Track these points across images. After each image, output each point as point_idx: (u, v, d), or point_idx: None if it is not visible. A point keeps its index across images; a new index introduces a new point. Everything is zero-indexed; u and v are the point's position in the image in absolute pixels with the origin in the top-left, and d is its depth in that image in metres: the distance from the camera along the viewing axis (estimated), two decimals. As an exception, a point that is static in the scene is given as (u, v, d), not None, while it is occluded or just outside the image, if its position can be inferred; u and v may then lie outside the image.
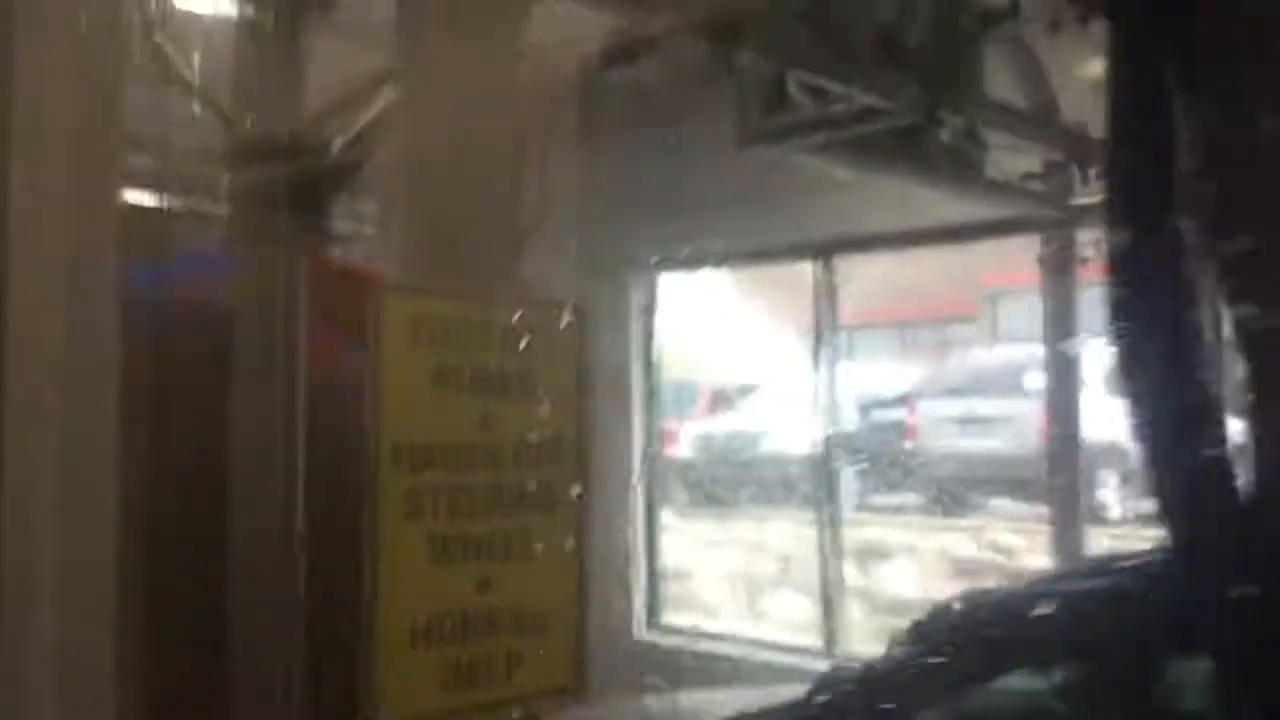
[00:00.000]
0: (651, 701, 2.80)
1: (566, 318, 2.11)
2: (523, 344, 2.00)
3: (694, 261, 4.54)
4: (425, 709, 1.86)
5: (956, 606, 1.67)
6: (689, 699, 2.72)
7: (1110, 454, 4.43)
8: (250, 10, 2.28)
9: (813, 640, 4.00)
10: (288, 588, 1.89)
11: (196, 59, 2.08)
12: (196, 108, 2.04)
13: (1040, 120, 3.79)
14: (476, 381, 1.96)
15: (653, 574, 4.30)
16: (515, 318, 2.00)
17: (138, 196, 1.82)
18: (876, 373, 5.32)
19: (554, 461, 2.07)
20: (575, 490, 2.07)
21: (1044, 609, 1.45)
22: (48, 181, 1.31)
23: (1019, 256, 4.50)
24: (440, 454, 1.90)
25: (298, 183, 2.24)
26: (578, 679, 2.07)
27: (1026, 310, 4.56)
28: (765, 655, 3.91)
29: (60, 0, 1.37)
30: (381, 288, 1.87)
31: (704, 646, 4.00)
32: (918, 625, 1.65)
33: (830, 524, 4.19)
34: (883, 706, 1.51)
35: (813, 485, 4.47)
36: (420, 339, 1.88)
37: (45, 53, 1.34)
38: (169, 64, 2.02)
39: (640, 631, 4.16)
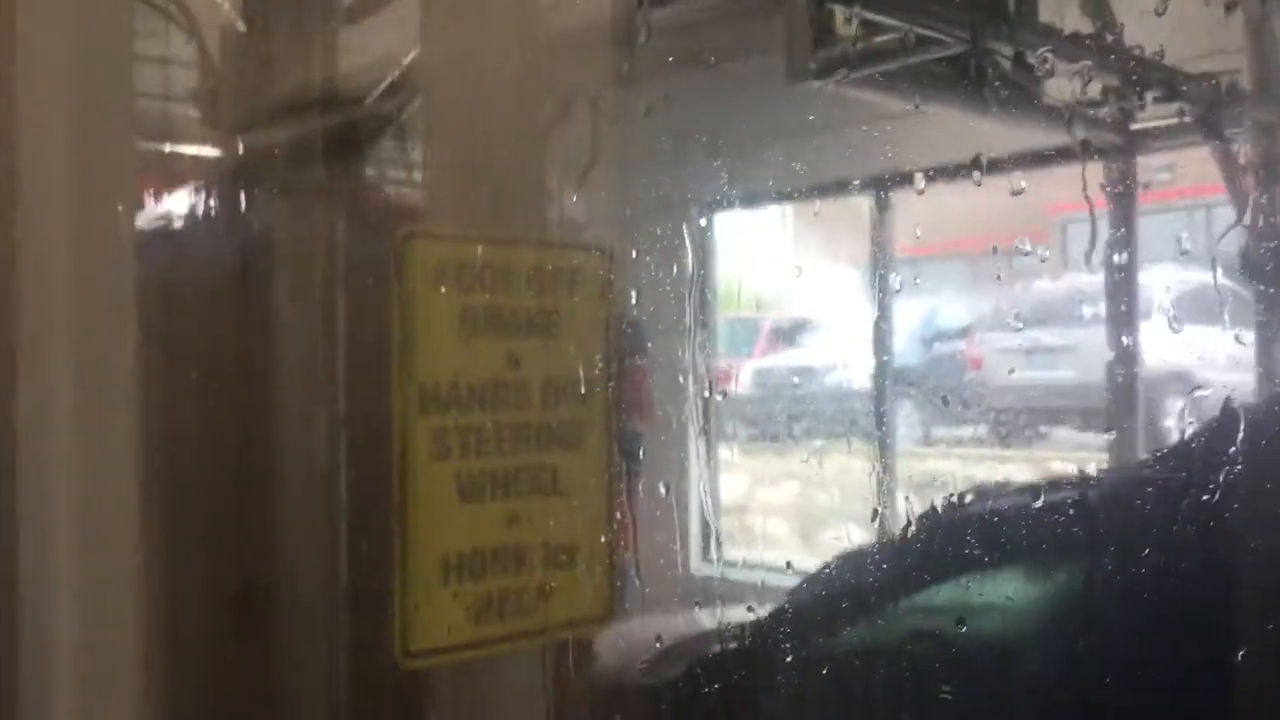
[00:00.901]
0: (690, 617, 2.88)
1: (595, 260, 2.15)
2: (549, 287, 2.04)
3: (750, 198, 4.54)
4: (456, 641, 1.93)
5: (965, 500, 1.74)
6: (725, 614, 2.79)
7: (1174, 382, 4.36)
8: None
9: (869, 572, 4.02)
10: (325, 525, 1.97)
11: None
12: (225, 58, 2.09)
13: (1097, 45, 3.70)
14: (504, 323, 2.01)
15: (709, 509, 4.35)
16: (542, 261, 2.05)
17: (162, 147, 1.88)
18: (939, 304, 5.28)
19: (584, 401, 2.12)
20: (607, 427, 2.13)
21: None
22: (55, 133, 1.36)
23: (1089, 183, 4.41)
24: (467, 394, 1.96)
25: (333, 132, 2.30)
26: (609, 609, 2.13)
27: (1098, 237, 4.49)
28: (821, 586, 3.94)
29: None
30: (405, 232, 1.92)
31: (760, 578, 4.05)
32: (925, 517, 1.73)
33: (889, 457, 4.19)
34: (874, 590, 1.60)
35: (872, 419, 4.46)
36: (446, 282, 1.94)
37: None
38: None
39: (696, 565, 4.23)
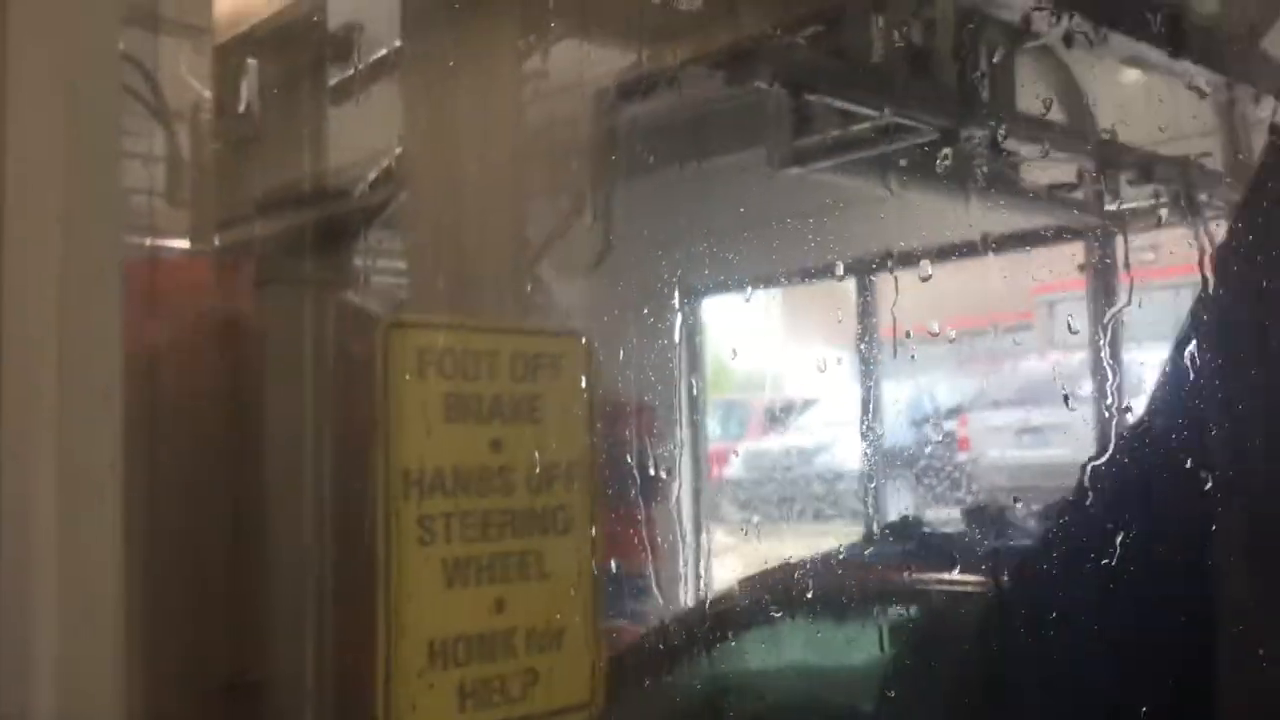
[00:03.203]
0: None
1: (577, 346, 2.18)
2: (530, 373, 2.07)
3: (735, 283, 4.58)
4: (442, 728, 1.93)
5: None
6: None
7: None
8: (275, 60, 2.40)
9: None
10: (310, 613, 1.98)
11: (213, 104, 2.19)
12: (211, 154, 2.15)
13: (1070, 130, 3.79)
14: (486, 409, 2.03)
15: (704, 593, 4.33)
16: (523, 348, 2.08)
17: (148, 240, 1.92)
18: (929, 385, 5.32)
19: (567, 485, 2.13)
20: (592, 512, 2.14)
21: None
22: (42, 228, 1.40)
23: (1069, 263, 4.50)
24: (451, 480, 1.98)
25: (323, 224, 2.35)
26: (595, 695, 2.13)
27: (1081, 317, 4.56)
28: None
29: (51, 44, 1.45)
30: (389, 321, 1.96)
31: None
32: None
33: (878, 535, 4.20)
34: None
35: (864, 501, 4.47)
36: (428, 369, 1.96)
37: (36, 92, 1.42)
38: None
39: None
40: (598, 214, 2.94)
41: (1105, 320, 4.27)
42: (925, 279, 4.76)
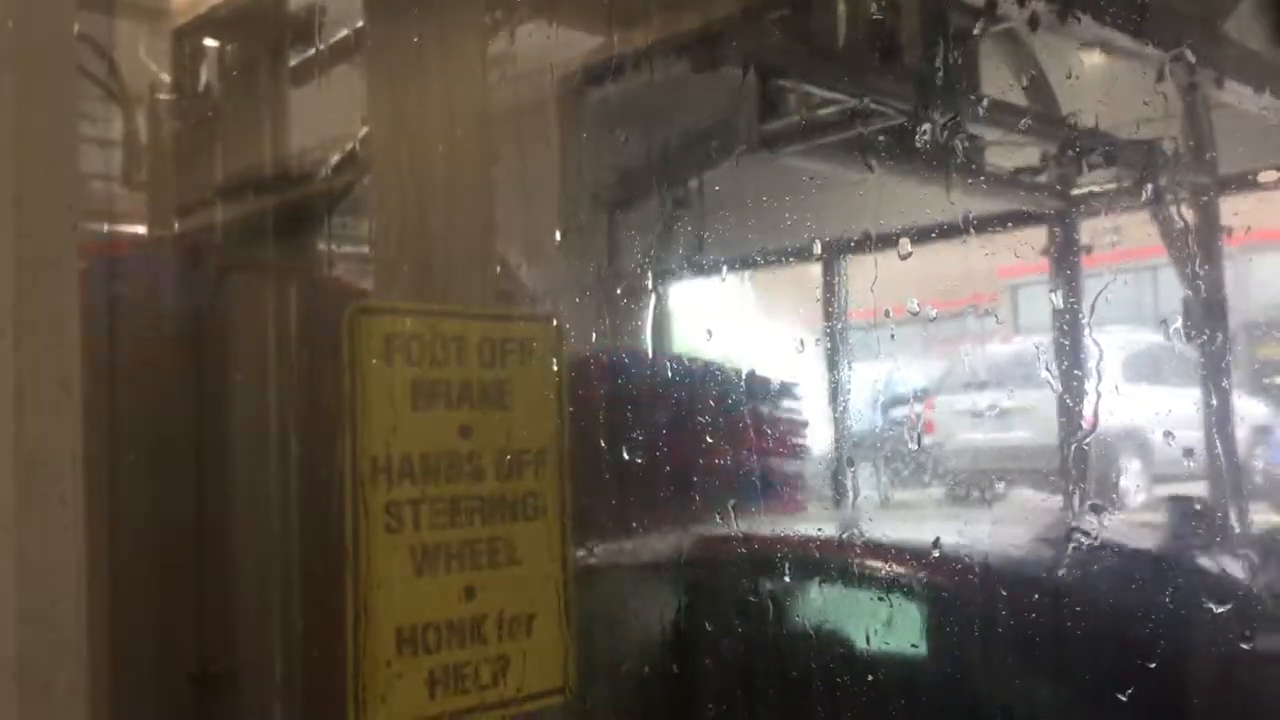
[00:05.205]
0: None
1: (547, 331, 2.17)
2: (499, 358, 2.05)
3: (704, 266, 4.57)
4: (413, 716, 1.91)
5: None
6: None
7: (1127, 441, 4.41)
8: (234, 43, 2.36)
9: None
10: (278, 602, 1.95)
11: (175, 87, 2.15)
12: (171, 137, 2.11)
13: (1035, 113, 3.80)
14: (454, 395, 2.01)
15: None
16: (492, 333, 2.06)
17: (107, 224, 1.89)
18: (895, 369, 5.32)
19: (537, 471, 2.12)
20: (562, 497, 2.13)
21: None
22: None
23: (1034, 247, 4.52)
24: (419, 466, 1.95)
25: (286, 209, 2.32)
26: (567, 681, 2.12)
27: (1045, 300, 4.59)
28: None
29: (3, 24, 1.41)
30: (355, 306, 1.93)
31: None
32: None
33: (847, 520, 4.21)
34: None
35: (830, 485, 4.48)
36: (396, 355, 1.94)
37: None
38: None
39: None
40: (551, 196, 2.90)
41: (1070, 303, 4.30)
42: (904, 255, 4.75)
